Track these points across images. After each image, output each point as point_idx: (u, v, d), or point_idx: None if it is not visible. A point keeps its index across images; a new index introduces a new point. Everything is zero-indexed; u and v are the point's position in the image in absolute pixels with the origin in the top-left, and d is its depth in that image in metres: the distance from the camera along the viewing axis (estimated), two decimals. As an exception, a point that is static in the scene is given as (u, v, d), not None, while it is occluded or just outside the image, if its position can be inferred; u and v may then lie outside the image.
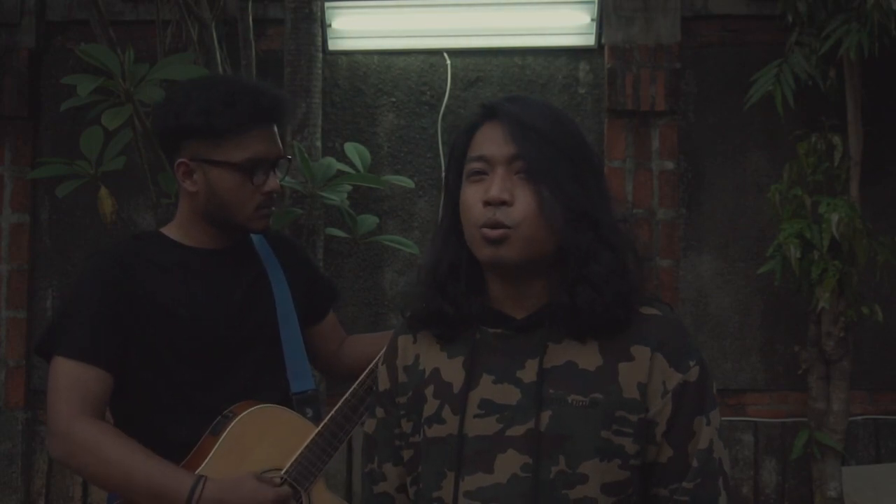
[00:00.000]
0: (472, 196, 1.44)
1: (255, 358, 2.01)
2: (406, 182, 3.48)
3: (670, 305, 1.53)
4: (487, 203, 1.41)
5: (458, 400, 1.45)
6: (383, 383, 1.59)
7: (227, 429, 1.89)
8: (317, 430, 1.96)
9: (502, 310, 1.48)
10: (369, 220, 3.45)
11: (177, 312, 1.95)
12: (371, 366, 1.99)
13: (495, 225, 1.40)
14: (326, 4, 3.76)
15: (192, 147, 1.95)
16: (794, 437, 3.62)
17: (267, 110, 1.96)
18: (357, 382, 1.99)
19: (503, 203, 1.40)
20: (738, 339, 3.78)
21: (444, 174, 1.55)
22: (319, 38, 3.67)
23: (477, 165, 1.45)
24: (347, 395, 1.99)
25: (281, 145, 2.01)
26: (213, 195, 1.96)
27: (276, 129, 2.00)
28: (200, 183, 1.96)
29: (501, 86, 3.87)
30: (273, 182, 1.97)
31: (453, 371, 1.48)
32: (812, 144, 3.50)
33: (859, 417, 3.70)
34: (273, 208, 2.01)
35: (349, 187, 3.34)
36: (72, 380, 1.86)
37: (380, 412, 1.59)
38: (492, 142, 1.44)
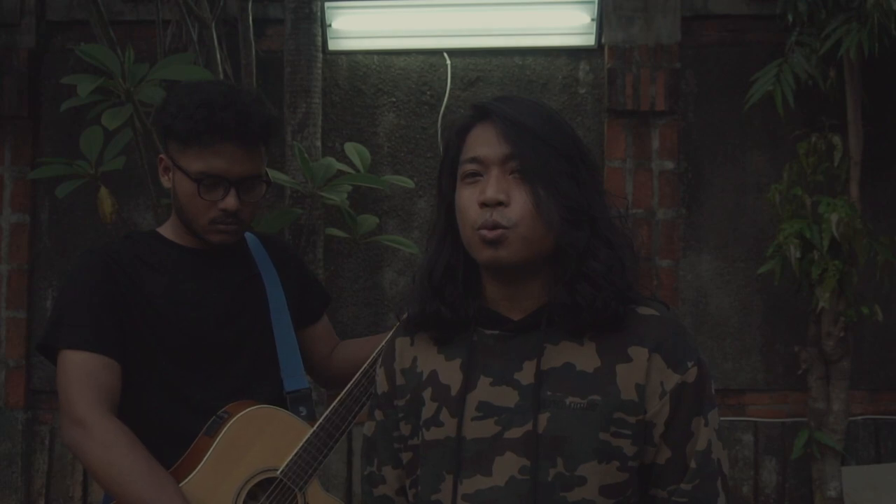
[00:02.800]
0: (468, 198, 1.44)
1: (248, 357, 2.02)
2: (406, 182, 3.48)
3: (667, 305, 1.52)
4: (484, 204, 1.41)
5: (456, 402, 1.45)
6: (381, 386, 1.59)
7: (223, 430, 1.90)
8: (312, 430, 1.96)
9: (499, 311, 1.48)
10: (369, 220, 3.45)
11: (168, 311, 1.95)
12: (365, 366, 1.99)
13: (493, 226, 1.40)
14: (326, 4, 3.76)
15: (169, 145, 1.98)
16: (794, 437, 3.62)
17: (227, 128, 1.90)
18: (352, 382, 2.00)
19: (499, 204, 1.40)
20: (738, 339, 3.78)
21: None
22: (319, 38, 3.67)
23: (471, 167, 1.44)
24: (342, 394, 1.99)
25: (252, 165, 1.95)
26: (176, 197, 1.98)
27: (249, 148, 1.94)
28: (172, 182, 1.99)
29: (501, 86, 3.87)
30: (229, 201, 1.93)
31: (451, 373, 1.48)
32: (812, 144, 3.50)
33: (859, 417, 3.70)
34: (234, 226, 1.97)
35: (349, 187, 3.33)
36: (84, 371, 1.86)
37: (378, 415, 1.59)
38: (485, 143, 1.44)
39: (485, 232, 1.40)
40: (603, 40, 3.78)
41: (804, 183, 3.50)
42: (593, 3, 3.77)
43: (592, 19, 3.80)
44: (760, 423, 3.74)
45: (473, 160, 1.44)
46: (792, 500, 3.72)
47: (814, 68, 3.46)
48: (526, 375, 1.43)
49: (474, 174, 1.44)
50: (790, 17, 3.50)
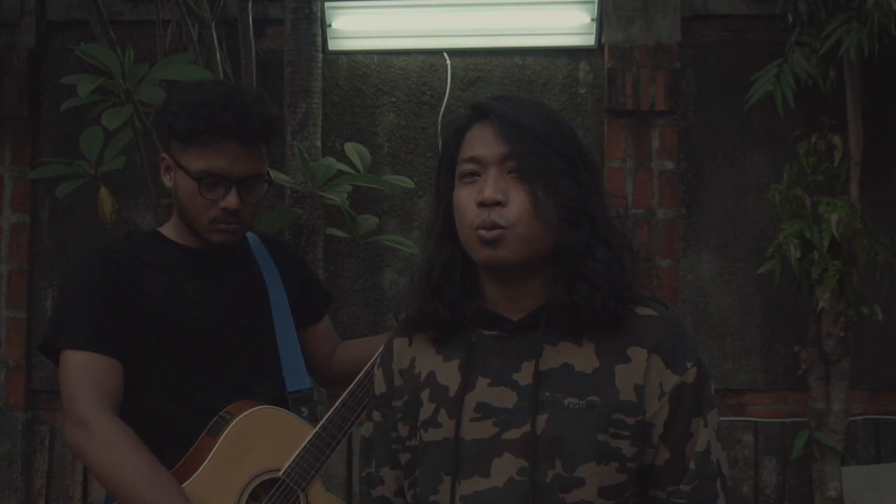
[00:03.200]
0: (466, 198, 1.43)
1: (249, 357, 2.02)
2: (406, 182, 3.48)
3: (667, 305, 1.52)
4: (482, 204, 1.40)
5: (454, 403, 1.45)
6: (379, 387, 1.59)
7: (226, 430, 1.90)
8: (314, 431, 1.96)
9: (498, 311, 1.47)
10: (369, 220, 3.45)
11: (168, 311, 1.95)
12: (367, 366, 1.99)
13: (491, 226, 1.40)
14: (326, 4, 3.76)
15: (171, 145, 1.98)
16: (794, 437, 3.62)
17: (227, 128, 1.91)
18: (354, 383, 1.99)
19: (497, 203, 1.40)
20: (738, 339, 3.78)
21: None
22: (319, 38, 3.67)
23: (469, 167, 1.44)
24: (345, 395, 1.99)
25: (253, 164, 1.96)
26: (177, 196, 1.99)
27: (250, 147, 1.95)
28: (173, 181, 1.99)
29: (501, 86, 3.87)
30: (230, 200, 1.94)
31: (449, 374, 1.47)
32: (812, 144, 3.50)
33: (859, 417, 3.70)
34: (235, 225, 1.97)
35: (349, 187, 3.33)
36: (85, 371, 1.86)
37: (377, 416, 1.59)
38: (483, 142, 1.44)
39: (483, 232, 1.40)
40: (603, 40, 3.78)
41: (804, 183, 3.50)
42: (593, 3, 3.77)
43: (592, 19, 3.80)
44: (760, 423, 3.74)
45: (471, 160, 1.44)
46: (792, 500, 3.72)
47: (814, 68, 3.46)
48: (524, 376, 1.42)
49: (472, 174, 1.44)
50: (790, 17, 3.50)
